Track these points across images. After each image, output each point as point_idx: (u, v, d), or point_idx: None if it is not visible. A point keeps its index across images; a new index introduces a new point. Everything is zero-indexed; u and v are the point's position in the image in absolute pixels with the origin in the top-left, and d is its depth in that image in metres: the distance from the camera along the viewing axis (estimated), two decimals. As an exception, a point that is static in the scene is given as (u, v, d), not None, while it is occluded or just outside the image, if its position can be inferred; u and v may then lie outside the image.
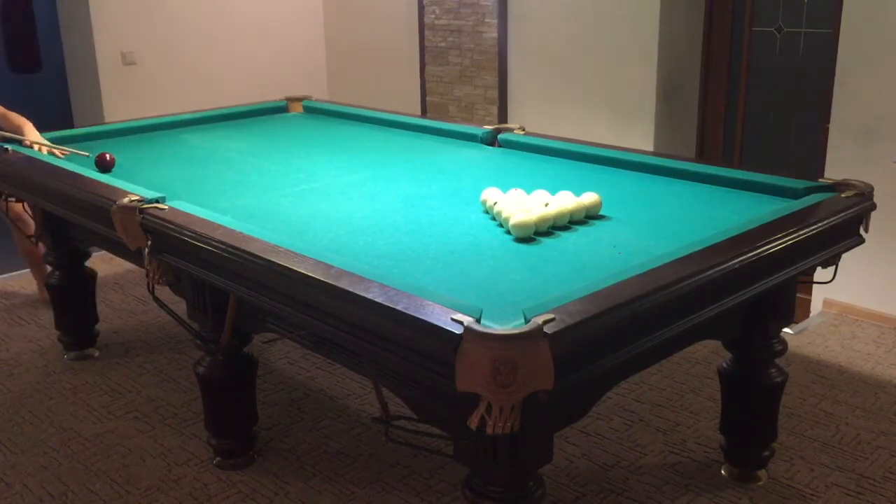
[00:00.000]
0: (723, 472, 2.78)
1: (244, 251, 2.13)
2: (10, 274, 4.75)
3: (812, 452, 2.89)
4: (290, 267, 1.99)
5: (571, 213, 2.46)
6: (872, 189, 2.54)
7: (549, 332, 1.59)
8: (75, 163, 3.14)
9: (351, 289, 1.83)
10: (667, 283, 1.86)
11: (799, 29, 4.30)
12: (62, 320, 3.66)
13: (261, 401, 3.13)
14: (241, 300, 2.43)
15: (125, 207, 2.52)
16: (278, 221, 2.54)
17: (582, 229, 2.42)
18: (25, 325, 4.06)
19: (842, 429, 3.04)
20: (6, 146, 3.35)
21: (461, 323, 1.61)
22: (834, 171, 3.83)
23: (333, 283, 1.87)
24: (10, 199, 3.49)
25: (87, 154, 3.25)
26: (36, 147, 3.33)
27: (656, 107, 4.52)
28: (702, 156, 4.72)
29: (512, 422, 1.60)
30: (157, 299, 2.60)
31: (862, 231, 2.55)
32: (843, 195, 2.50)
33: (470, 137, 3.59)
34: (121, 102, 5.41)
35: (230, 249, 2.18)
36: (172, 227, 2.39)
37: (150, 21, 5.52)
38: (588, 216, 2.51)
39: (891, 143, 3.75)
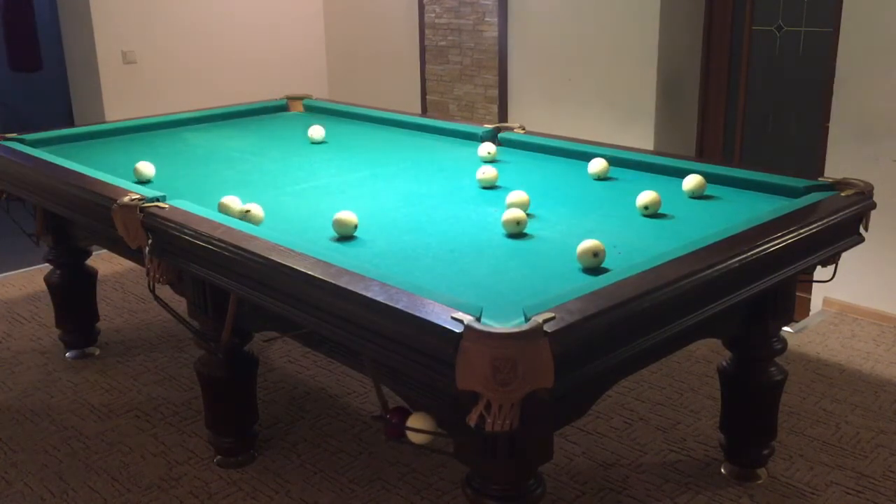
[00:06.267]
0: (723, 470, 2.78)
1: (245, 250, 2.13)
2: (10, 273, 4.76)
3: (812, 451, 2.90)
4: (291, 265, 1.99)
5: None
6: (872, 188, 2.54)
7: (549, 330, 1.59)
8: (76, 161, 3.15)
9: (351, 287, 1.83)
10: (666, 282, 1.86)
11: (799, 28, 4.30)
12: (63, 319, 3.67)
13: (261, 399, 3.14)
14: (241, 299, 2.43)
15: (126, 206, 2.53)
16: (279, 220, 2.55)
17: (582, 228, 2.42)
18: (26, 323, 4.07)
19: (841, 427, 3.04)
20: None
21: (461, 321, 1.61)
22: (834, 169, 3.84)
23: (334, 281, 1.87)
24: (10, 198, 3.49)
25: None
26: None
27: (656, 106, 4.53)
28: (702, 155, 4.72)
29: (511, 419, 1.60)
30: (157, 298, 2.60)
31: (862, 230, 2.55)
32: (842, 194, 2.51)
33: (470, 136, 3.59)
34: (121, 101, 5.42)
35: (231, 248, 2.18)
36: (173, 225, 2.39)
37: (150, 20, 5.52)
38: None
39: (891, 142, 3.76)
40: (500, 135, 3.51)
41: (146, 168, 3.03)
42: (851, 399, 3.24)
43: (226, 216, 2.46)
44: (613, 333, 1.79)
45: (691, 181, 2.71)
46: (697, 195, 2.70)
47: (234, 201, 2.56)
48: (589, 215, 2.57)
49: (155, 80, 5.59)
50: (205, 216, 2.41)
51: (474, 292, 1.93)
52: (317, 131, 3.61)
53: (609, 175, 2.96)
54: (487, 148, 3.24)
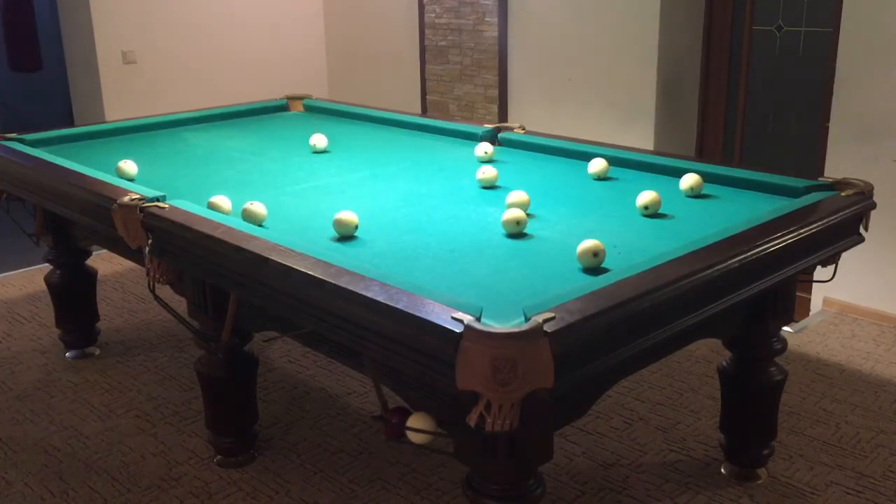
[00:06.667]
0: (723, 470, 2.78)
1: (245, 250, 2.13)
2: (10, 273, 4.76)
3: (812, 451, 2.90)
4: (291, 265, 1.99)
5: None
6: (872, 188, 2.55)
7: (549, 330, 1.59)
8: (76, 161, 3.15)
9: (351, 287, 1.83)
10: (666, 282, 1.86)
11: (799, 28, 4.30)
12: (63, 319, 3.66)
13: (261, 399, 3.14)
14: (241, 299, 2.43)
15: (126, 206, 2.53)
16: (279, 220, 2.55)
17: (582, 228, 2.42)
18: (26, 323, 4.07)
19: (841, 427, 3.04)
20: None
21: (461, 321, 1.61)
22: (834, 169, 3.84)
23: (334, 281, 1.88)
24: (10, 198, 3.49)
25: None
26: None
27: (656, 106, 4.53)
28: (702, 154, 4.72)
29: (511, 419, 1.60)
30: (157, 298, 2.60)
31: (862, 230, 2.55)
32: (842, 194, 2.51)
33: (470, 136, 3.59)
34: (121, 101, 5.42)
35: (231, 248, 2.18)
36: (173, 225, 2.39)
37: (150, 20, 5.53)
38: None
39: (891, 142, 3.76)
40: (500, 135, 3.51)
41: (128, 167, 3.04)
42: (851, 399, 3.24)
43: (226, 216, 2.46)
44: (613, 333, 1.79)
45: (688, 180, 2.72)
46: (695, 194, 2.70)
47: (223, 201, 2.57)
48: (589, 215, 2.57)
49: (155, 80, 5.59)
50: (205, 216, 2.41)
51: (474, 292, 1.93)
52: (319, 140, 3.50)
53: (609, 175, 2.96)
54: (484, 148, 3.24)
